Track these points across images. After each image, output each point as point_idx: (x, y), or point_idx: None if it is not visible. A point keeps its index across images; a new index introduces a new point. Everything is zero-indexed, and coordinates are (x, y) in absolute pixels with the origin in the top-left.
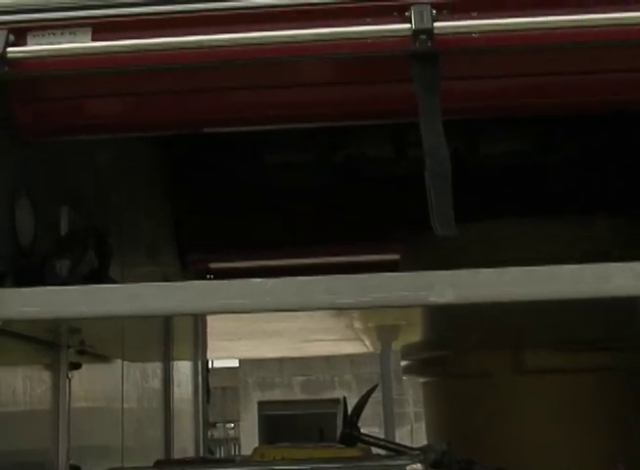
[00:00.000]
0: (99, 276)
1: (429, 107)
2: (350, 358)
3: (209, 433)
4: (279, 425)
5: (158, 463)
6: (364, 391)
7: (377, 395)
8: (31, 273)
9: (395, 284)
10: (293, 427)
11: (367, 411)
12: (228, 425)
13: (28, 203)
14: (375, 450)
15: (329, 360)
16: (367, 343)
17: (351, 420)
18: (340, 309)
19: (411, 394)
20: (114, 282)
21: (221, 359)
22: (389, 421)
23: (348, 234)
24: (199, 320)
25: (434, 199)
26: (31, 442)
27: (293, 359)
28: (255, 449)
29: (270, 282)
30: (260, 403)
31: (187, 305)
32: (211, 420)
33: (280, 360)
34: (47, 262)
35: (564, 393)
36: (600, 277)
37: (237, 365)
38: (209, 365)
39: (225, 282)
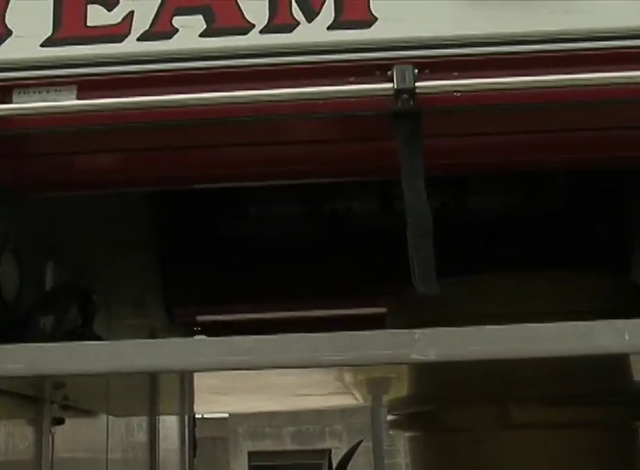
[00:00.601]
0: (83, 332)
1: (410, 165)
2: (341, 409)
3: None
4: None
5: None
6: (355, 441)
7: (368, 444)
8: (15, 328)
9: (378, 342)
10: None
11: (359, 461)
12: None
13: (13, 258)
14: None
15: (320, 411)
16: (358, 396)
17: None
18: (322, 367)
19: (402, 444)
20: (99, 337)
21: (210, 413)
22: None
23: (335, 287)
24: (185, 375)
25: (416, 257)
26: None
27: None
28: None
29: (251, 340)
30: (250, 454)
31: (169, 363)
32: None
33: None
34: (31, 318)
35: (549, 447)
36: (581, 335)
37: (227, 416)
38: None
39: (207, 340)
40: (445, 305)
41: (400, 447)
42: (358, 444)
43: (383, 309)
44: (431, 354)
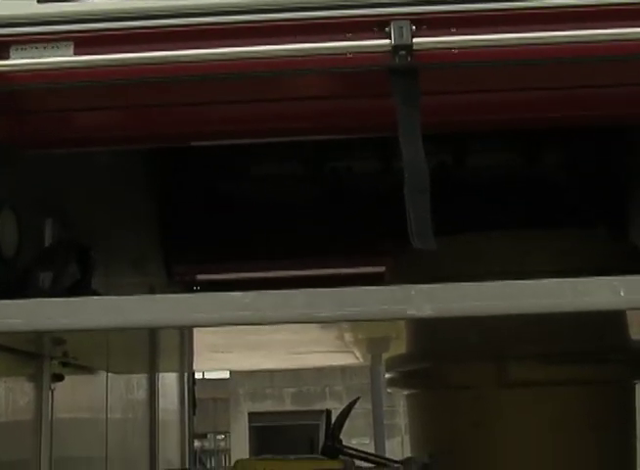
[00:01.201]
0: (82, 288)
1: (408, 121)
2: (342, 369)
3: (200, 444)
4: (269, 436)
5: None
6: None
7: (368, 406)
8: (14, 284)
9: (374, 298)
10: (283, 438)
11: (358, 422)
12: (219, 436)
13: (12, 215)
14: (357, 463)
15: (320, 371)
16: (358, 354)
17: (333, 433)
18: (319, 323)
19: (402, 405)
20: (98, 294)
21: (211, 371)
22: (380, 432)
23: (334, 246)
24: (184, 332)
25: (413, 213)
26: (13, 452)
27: (284, 371)
28: (237, 462)
29: (250, 295)
30: (251, 415)
31: (168, 318)
32: (202, 431)
33: (271, 372)
34: (29, 274)
35: (547, 405)
36: (577, 291)
37: (228, 377)
38: (200, 376)
39: (205, 295)
40: (443, 263)
41: (400, 409)
42: (355, 401)
43: (381, 268)
44: (427, 310)
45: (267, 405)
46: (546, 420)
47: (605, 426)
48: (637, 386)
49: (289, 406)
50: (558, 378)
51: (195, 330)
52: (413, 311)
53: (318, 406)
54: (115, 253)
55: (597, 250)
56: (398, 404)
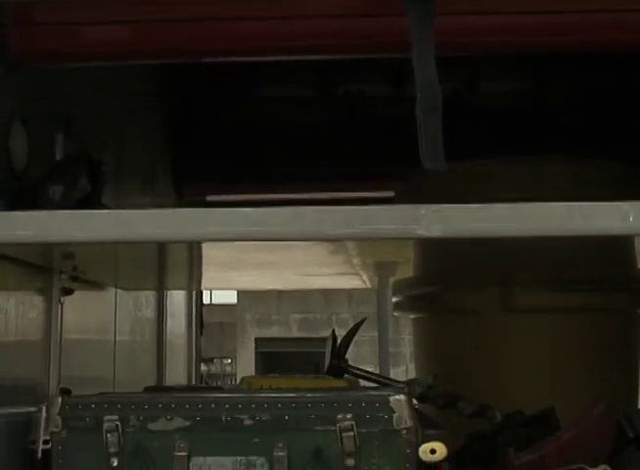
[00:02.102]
0: (92, 202)
1: (422, 40)
2: (349, 297)
3: (207, 368)
4: (275, 362)
5: (147, 389)
6: (361, 330)
7: (374, 334)
8: (24, 198)
9: (384, 216)
10: (288, 364)
11: (364, 349)
12: (225, 360)
13: (23, 129)
14: (362, 383)
15: (327, 298)
16: (365, 278)
17: (339, 352)
18: (328, 240)
19: (407, 333)
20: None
21: (218, 290)
22: (385, 360)
23: (344, 170)
24: (193, 248)
25: (424, 133)
26: (23, 365)
27: (290, 297)
28: (243, 379)
29: (259, 211)
30: (257, 340)
31: (177, 233)
32: (209, 355)
33: (278, 298)
34: (40, 187)
35: (552, 331)
36: (586, 215)
37: (235, 302)
38: (208, 301)
39: (215, 210)
40: (453, 189)
41: (405, 337)
42: (362, 321)
43: (390, 193)
44: (436, 231)
45: (274, 331)
46: (550, 346)
47: (608, 353)
48: None
49: (295, 333)
50: (563, 305)
51: (204, 246)
52: (422, 231)
53: (324, 334)
54: (125, 172)
55: (611, 178)
56: (404, 333)
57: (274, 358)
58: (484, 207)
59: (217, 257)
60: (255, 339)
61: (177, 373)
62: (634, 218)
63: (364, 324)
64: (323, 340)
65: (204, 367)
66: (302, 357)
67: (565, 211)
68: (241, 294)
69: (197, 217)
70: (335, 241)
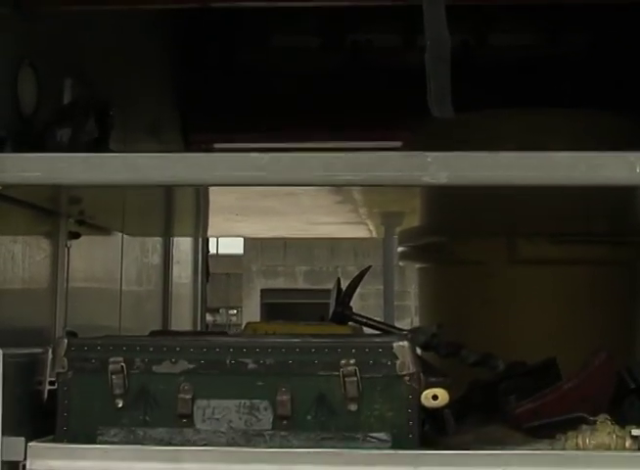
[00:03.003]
0: (99, 147)
1: None
2: (354, 249)
3: (212, 318)
4: (280, 313)
5: (153, 333)
6: (367, 282)
7: (379, 286)
8: (32, 142)
9: (391, 163)
10: (294, 315)
11: (369, 302)
12: (230, 311)
13: (31, 72)
14: (366, 331)
15: (333, 251)
16: (371, 227)
17: (344, 300)
18: (334, 186)
19: (413, 287)
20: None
21: (224, 237)
22: (390, 313)
23: (352, 120)
24: (200, 194)
25: (433, 80)
26: (29, 307)
27: (296, 249)
28: (248, 324)
29: (267, 157)
30: (263, 291)
31: (185, 177)
32: (214, 306)
33: (284, 249)
34: (48, 130)
35: (555, 283)
36: (593, 165)
37: (241, 253)
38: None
39: (223, 155)
40: (461, 139)
41: (411, 290)
42: (367, 269)
43: (397, 143)
44: (442, 178)
45: (279, 283)
46: (554, 298)
47: (611, 305)
48: None
49: (301, 284)
50: (567, 257)
51: (210, 192)
52: (428, 179)
53: (330, 286)
54: (133, 118)
55: (616, 132)
56: (409, 286)
57: (279, 309)
58: (491, 155)
59: (224, 203)
60: (261, 290)
61: (183, 321)
62: None
63: (370, 276)
64: (328, 291)
65: (209, 317)
66: (307, 309)
67: (571, 161)
68: (247, 245)
69: (204, 162)
70: (341, 186)
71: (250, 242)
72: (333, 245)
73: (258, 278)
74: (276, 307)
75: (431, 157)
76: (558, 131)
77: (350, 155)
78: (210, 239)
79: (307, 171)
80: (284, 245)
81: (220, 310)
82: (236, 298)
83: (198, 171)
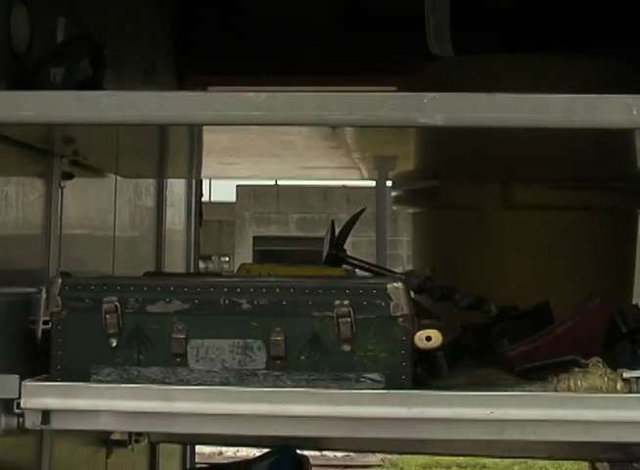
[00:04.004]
0: (93, 85)
1: None
2: (347, 198)
3: (205, 265)
4: (272, 260)
5: (147, 274)
6: (359, 231)
7: (371, 234)
8: (26, 80)
9: (386, 103)
10: (286, 262)
11: (362, 251)
12: (223, 258)
13: (24, 10)
14: (359, 273)
15: (326, 198)
16: (364, 172)
17: (337, 242)
18: (330, 126)
19: (405, 236)
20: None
21: (217, 179)
22: (382, 261)
23: (347, 64)
24: (194, 134)
25: (432, 17)
26: (23, 248)
27: (289, 196)
28: (241, 266)
29: (262, 96)
30: (255, 238)
31: (179, 115)
32: (207, 253)
33: (277, 197)
34: (41, 69)
35: (550, 229)
36: (590, 108)
37: (234, 200)
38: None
39: (217, 94)
40: (455, 84)
41: (403, 239)
42: (361, 211)
43: (392, 88)
44: (438, 119)
45: (272, 230)
46: (548, 244)
47: (605, 251)
48: None
49: (293, 232)
50: (562, 203)
51: (204, 132)
52: (424, 120)
53: (322, 233)
54: (127, 60)
55: (615, 76)
56: (402, 235)
57: (271, 257)
58: (488, 96)
59: (218, 144)
60: (254, 237)
61: (176, 264)
62: (638, 112)
63: (362, 225)
64: (321, 239)
65: (202, 265)
66: (300, 256)
67: (569, 103)
68: (240, 192)
69: (199, 101)
70: (336, 126)
71: (242, 189)
72: (326, 193)
73: (251, 225)
74: (268, 255)
75: (427, 98)
76: (555, 76)
77: (347, 95)
78: (203, 186)
79: (303, 111)
80: (277, 192)
81: (213, 258)
82: (228, 245)
83: (192, 110)
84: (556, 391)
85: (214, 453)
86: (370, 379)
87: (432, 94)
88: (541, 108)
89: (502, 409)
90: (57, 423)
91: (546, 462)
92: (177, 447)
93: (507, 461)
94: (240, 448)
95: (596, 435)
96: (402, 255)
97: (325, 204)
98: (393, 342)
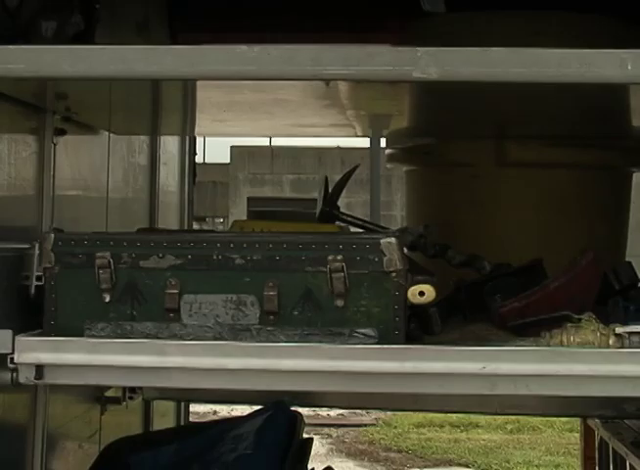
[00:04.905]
0: (85, 40)
1: None
2: (341, 159)
3: (199, 226)
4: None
5: (140, 230)
6: (354, 191)
7: (365, 195)
8: (17, 35)
9: (381, 57)
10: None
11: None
12: (217, 220)
13: None
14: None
15: (320, 159)
16: (358, 130)
17: (331, 198)
18: (324, 80)
19: (399, 197)
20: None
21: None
22: (376, 221)
23: (340, 22)
24: (188, 89)
25: None
26: (16, 204)
27: (284, 157)
28: (235, 222)
29: (256, 49)
30: (250, 199)
31: (172, 69)
32: (201, 214)
33: (271, 158)
34: (33, 24)
35: (544, 186)
36: (584, 63)
37: (228, 161)
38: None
39: (211, 48)
40: (449, 42)
41: (397, 200)
42: (355, 168)
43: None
44: (432, 73)
45: (266, 191)
46: (542, 201)
47: (599, 210)
48: (635, 174)
49: (287, 193)
50: (556, 160)
51: (198, 86)
52: (418, 74)
53: (317, 195)
54: (120, 15)
55: (609, 35)
56: (395, 195)
57: (266, 218)
58: (482, 50)
59: (211, 101)
60: (248, 198)
61: (169, 224)
62: (632, 67)
63: (356, 186)
64: (315, 200)
65: (196, 226)
66: (294, 217)
67: (562, 58)
68: (234, 153)
69: (191, 55)
70: (331, 80)
71: (237, 150)
72: (320, 154)
73: (245, 187)
74: (263, 216)
75: (421, 51)
76: (549, 34)
77: (341, 48)
78: (197, 147)
79: (297, 65)
80: (271, 153)
81: (207, 219)
82: (222, 206)
83: (186, 64)
84: (549, 346)
85: (208, 413)
86: (363, 334)
87: (426, 48)
88: (535, 62)
89: (495, 364)
90: (50, 378)
91: (537, 421)
92: (171, 406)
93: (499, 420)
94: (234, 408)
95: (588, 389)
96: (396, 215)
97: (319, 165)
98: (387, 297)
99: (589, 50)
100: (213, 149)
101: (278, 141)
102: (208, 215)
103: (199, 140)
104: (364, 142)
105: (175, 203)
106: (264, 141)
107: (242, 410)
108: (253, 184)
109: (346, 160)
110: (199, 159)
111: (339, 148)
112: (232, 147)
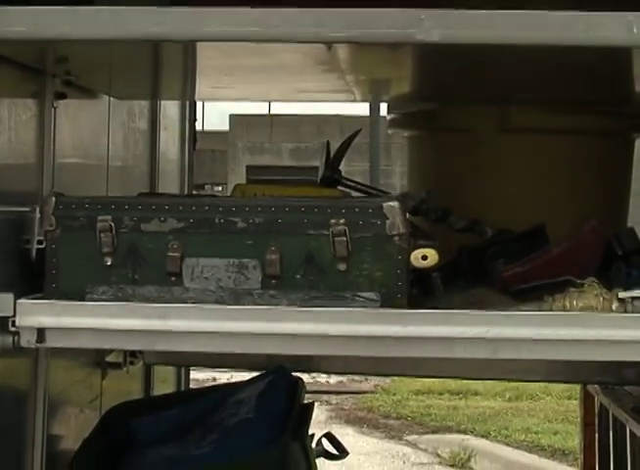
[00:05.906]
0: (86, 1)
1: None
2: (340, 127)
3: (197, 193)
4: None
5: (141, 194)
6: (353, 160)
7: (365, 164)
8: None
9: (383, 20)
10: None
11: (355, 179)
12: (216, 188)
13: None
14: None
15: (319, 128)
16: (358, 95)
17: (333, 163)
18: (326, 43)
19: (399, 165)
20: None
21: (212, 101)
22: None
23: None
24: (188, 53)
25: None
26: (16, 167)
27: (283, 125)
28: (236, 186)
29: (258, 12)
30: (249, 168)
31: (173, 31)
32: (200, 182)
33: (270, 126)
34: None
35: (547, 152)
36: (591, 25)
37: (227, 129)
38: (200, 127)
39: (213, 9)
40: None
41: (396, 169)
42: (357, 132)
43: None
44: (435, 36)
45: (266, 159)
46: (544, 167)
47: (602, 176)
48: (637, 140)
49: (287, 161)
50: (559, 126)
51: (198, 49)
52: (421, 36)
53: (316, 163)
54: None
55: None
56: (395, 164)
57: None
58: (486, 13)
59: (211, 65)
60: (247, 166)
61: (170, 189)
62: (639, 30)
63: (355, 155)
64: (315, 169)
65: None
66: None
67: (567, 20)
68: (233, 121)
69: (192, 16)
70: (333, 43)
71: (236, 119)
72: (319, 122)
73: (244, 155)
74: (262, 184)
75: (424, 14)
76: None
77: (343, 11)
78: (197, 114)
79: (299, 27)
80: (270, 121)
81: (206, 187)
82: (221, 174)
83: (187, 26)
84: (551, 310)
85: (208, 379)
86: (365, 298)
87: (429, 10)
88: (540, 25)
89: (497, 328)
90: (52, 341)
91: (536, 389)
92: (172, 372)
93: (498, 388)
94: (233, 374)
95: (590, 354)
96: (395, 184)
97: (319, 133)
98: (389, 261)
99: (595, 12)
100: (212, 117)
101: (277, 109)
102: (207, 183)
103: (198, 108)
104: (364, 110)
105: (175, 169)
106: (263, 109)
107: (241, 377)
108: (252, 152)
109: (346, 128)
110: (197, 127)
111: (338, 116)
112: (231, 115)
